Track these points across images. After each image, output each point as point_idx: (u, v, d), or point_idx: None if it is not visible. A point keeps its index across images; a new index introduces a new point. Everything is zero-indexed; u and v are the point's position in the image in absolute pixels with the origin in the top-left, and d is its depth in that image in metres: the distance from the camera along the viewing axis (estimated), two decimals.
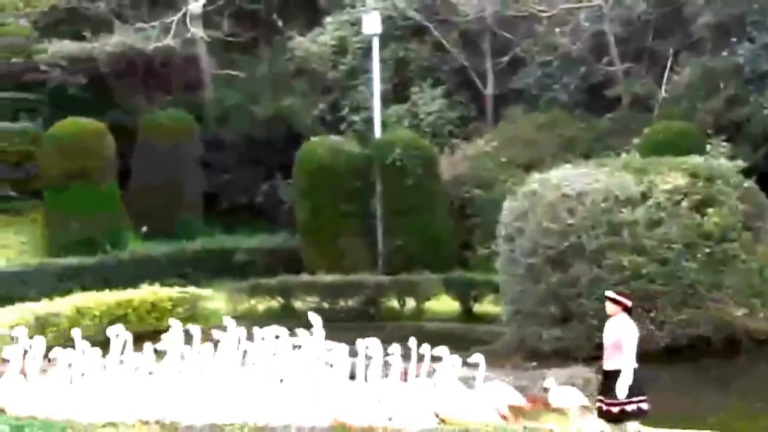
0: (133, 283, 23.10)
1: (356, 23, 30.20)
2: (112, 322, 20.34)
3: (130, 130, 30.35)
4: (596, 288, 17.51)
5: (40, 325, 18.84)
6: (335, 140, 28.31)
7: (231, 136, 31.92)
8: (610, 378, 10.75)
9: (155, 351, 12.21)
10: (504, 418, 11.84)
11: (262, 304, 24.40)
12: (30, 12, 32.08)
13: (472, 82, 30.95)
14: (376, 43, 28.28)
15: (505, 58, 30.16)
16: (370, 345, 11.71)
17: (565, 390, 12.39)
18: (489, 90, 30.77)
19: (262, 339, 12.43)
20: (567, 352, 17.25)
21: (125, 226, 29.17)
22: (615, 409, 10.65)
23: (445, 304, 24.03)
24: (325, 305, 23.96)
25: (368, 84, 29.59)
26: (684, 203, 18.15)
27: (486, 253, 24.16)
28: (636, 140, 25.25)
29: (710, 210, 18.19)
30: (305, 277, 25.16)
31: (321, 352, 12.15)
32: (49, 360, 11.91)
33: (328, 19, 31.68)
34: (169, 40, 31.45)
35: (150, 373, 11.96)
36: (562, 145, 27.07)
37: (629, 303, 10.97)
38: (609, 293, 11.14)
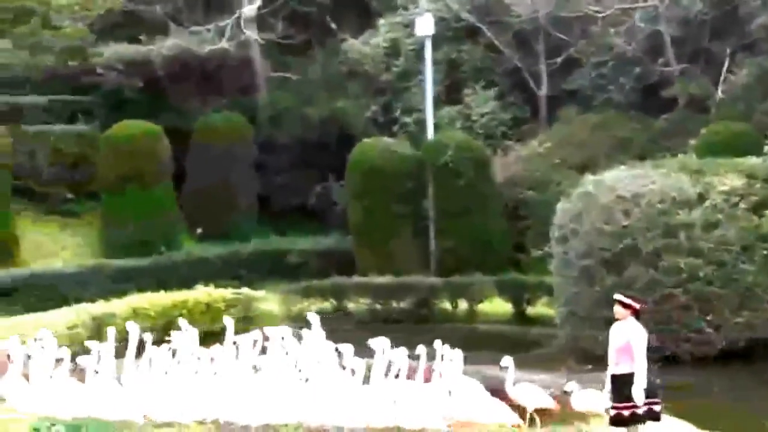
0: (188, 284, 23.31)
1: (409, 25, 30.18)
2: (167, 323, 20.69)
3: (185, 132, 30.59)
4: (652, 290, 17.37)
5: (97, 326, 19.07)
6: (388, 142, 28.32)
7: (284, 139, 32.03)
8: (619, 382, 10.61)
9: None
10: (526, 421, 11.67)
11: (315, 306, 24.47)
12: (86, 15, 32.46)
13: (525, 83, 30.77)
14: (428, 45, 28.24)
15: (559, 59, 29.93)
16: (379, 345, 11.58)
17: (587, 393, 12.21)
18: (543, 91, 30.57)
19: (267, 339, 12.47)
20: None
21: (180, 228, 29.43)
22: (626, 413, 10.53)
23: (498, 306, 23.96)
24: (378, 306, 24.00)
25: (421, 86, 29.55)
26: (741, 205, 17.93)
27: (539, 255, 24.02)
28: (692, 141, 24.96)
29: None
30: (358, 278, 25.21)
31: (320, 352, 12.10)
32: (57, 361, 11.95)
33: (381, 21, 31.67)
34: (223, 43, 31.65)
35: (165, 372, 12.03)
36: (617, 147, 26.83)
37: (639, 307, 10.85)
38: (618, 296, 11.02)
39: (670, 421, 12.54)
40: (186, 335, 12.37)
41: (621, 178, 18.68)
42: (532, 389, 12.25)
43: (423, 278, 24.91)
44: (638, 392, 10.38)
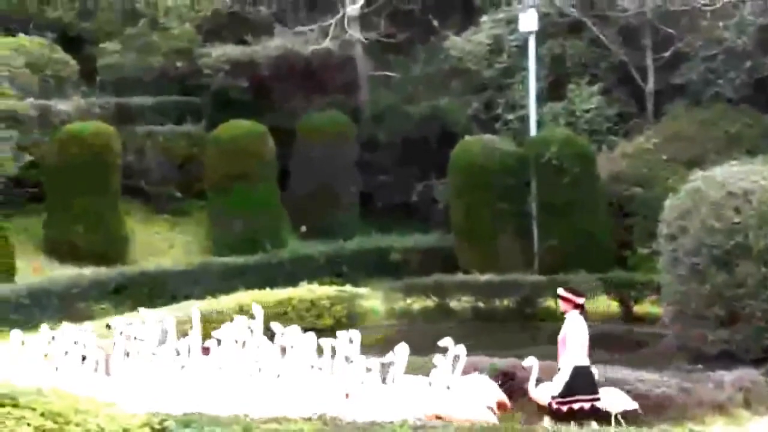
0: (293, 281, 23.55)
1: (512, 21, 29.93)
2: (273, 320, 20.91)
3: (289, 131, 30.95)
4: (764, 289, 16.91)
5: (205, 323, 19.38)
6: (490, 139, 28.17)
7: (386, 137, 32.18)
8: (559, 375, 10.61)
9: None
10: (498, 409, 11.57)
11: (417, 304, 24.50)
12: (194, 17, 33.10)
13: (631, 78, 30.25)
14: (532, 41, 27.99)
15: (667, 53, 29.35)
16: (344, 338, 11.81)
17: (609, 391, 11.94)
18: (649, 86, 30.01)
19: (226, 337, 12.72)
20: (732, 354, 16.70)
21: (284, 226, 29.78)
22: (564, 408, 10.36)
23: (603, 304, 23.62)
24: (481, 305, 23.87)
25: (524, 82, 29.31)
26: None
27: (646, 253, 23.60)
28: None
29: None
30: (460, 276, 25.10)
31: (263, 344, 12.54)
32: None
33: (484, 17, 31.49)
34: (326, 43, 31.93)
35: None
36: (727, 142, 26.20)
37: (580, 300, 10.68)
38: (559, 290, 10.92)
39: None
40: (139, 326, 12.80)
41: (731, 174, 18.23)
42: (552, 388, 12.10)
43: (526, 276, 24.65)
44: (557, 385, 10.41)
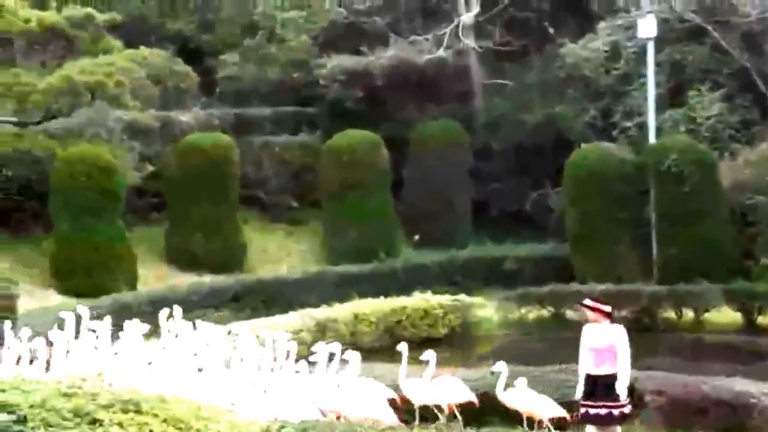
0: (406, 290, 23.53)
1: (630, 27, 29.46)
2: (387, 329, 21.04)
3: (402, 140, 31.05)
4: None
5: (320, 331, 19.59)
6: (606, 146, 27.78)
7: (500, 145, 32.02)
8: (602, 382, 10.80)
9: None
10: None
11: (532, 313, 24.27)
12: (310, 28, 33.52)
13: (754, 85, 29.43)
14: (651, 47, 27.52)
15: None
16: (273, 337, 12.06)
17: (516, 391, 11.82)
18: None
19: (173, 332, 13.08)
20: None
21: (398, 235, 29.86)
22: (616, 412, 10.76)
23: (725, 315, 23.06)
24: None
25: (642, 89, 28.81)
26: None
27: None
28: None
29: None
30: (576, 285, 24.75)
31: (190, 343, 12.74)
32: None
33: (601, 24, 31.05)
34: (440, 52, 31.94)
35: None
36: None
37: (608, 309, 10.96)
38: (586, 301, 11.14)
39: None
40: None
41: None
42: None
43: (645, 286, 24.20)
44: (623, 391, 10.73)
